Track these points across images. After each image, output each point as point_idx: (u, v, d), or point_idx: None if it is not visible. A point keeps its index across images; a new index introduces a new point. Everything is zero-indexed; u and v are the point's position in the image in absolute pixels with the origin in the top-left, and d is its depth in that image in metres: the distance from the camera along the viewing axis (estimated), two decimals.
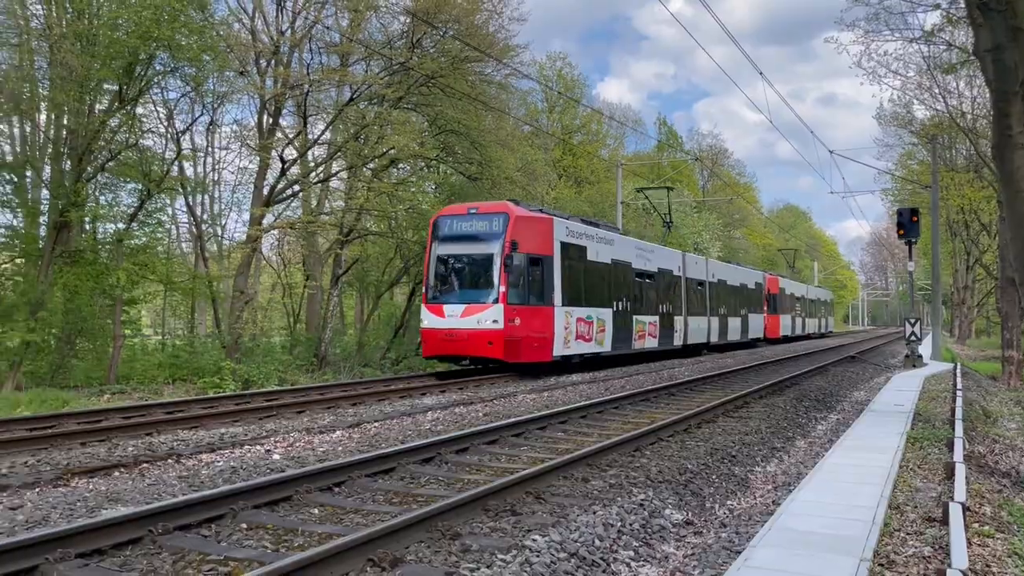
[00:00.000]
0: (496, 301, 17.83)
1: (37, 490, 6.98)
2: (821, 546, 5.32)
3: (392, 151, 24.10)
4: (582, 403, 13.07)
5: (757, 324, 40.12)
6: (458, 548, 5.37)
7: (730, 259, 47.51)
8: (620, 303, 23.18)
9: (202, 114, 24.47)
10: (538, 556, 5.22)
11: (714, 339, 32.71)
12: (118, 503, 6.42)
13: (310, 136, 24.88)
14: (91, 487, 7.11)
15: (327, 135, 25.85)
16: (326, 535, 5.62)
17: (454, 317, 18.17)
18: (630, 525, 6.20)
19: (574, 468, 7.89)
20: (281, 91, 22.53)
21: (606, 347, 22.16)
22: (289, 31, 22.95)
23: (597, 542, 5.71)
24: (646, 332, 25.07)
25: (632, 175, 46.77)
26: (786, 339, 46.96)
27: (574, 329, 20.06)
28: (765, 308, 42.07)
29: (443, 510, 5.90)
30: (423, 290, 19.66)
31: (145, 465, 8.11)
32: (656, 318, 26.02)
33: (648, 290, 25.62)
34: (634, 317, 24.14)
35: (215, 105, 24.44)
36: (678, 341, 28.20)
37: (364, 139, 24.55)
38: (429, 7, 22.59)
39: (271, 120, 23.42)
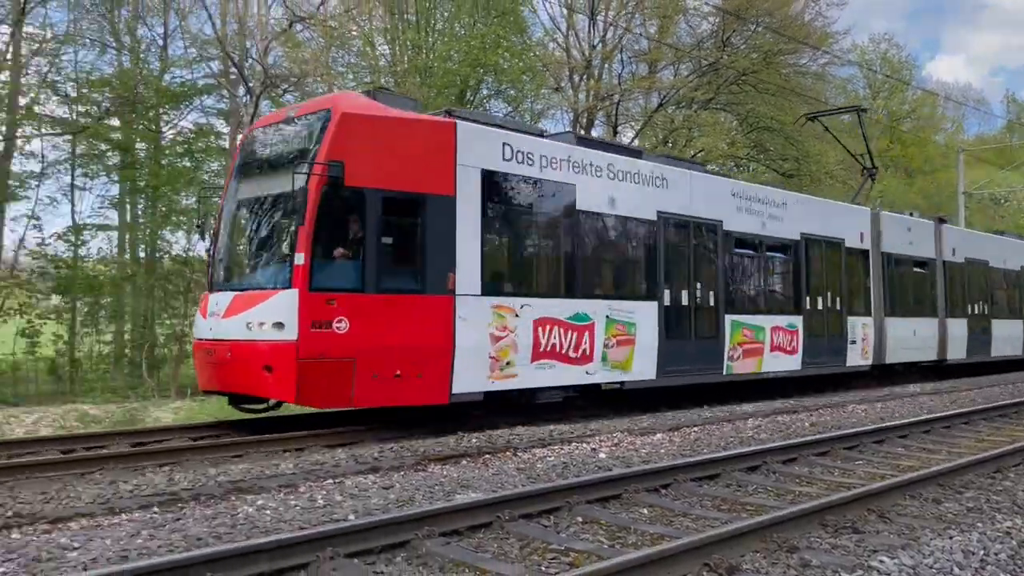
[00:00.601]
0: (284, 284, 9.17)
1: (402, 473, 7.95)
2: None
3: (701, 153, 23.92)
4: (923, 416, 11.91)
5: None
6: (796, 562, 5.18)
7: None
8: (687, 291, 13.38)
9: None
10: None
11: (956, 354, 20.24)
12: (468, 489, 7.10)
13: None
14: (444, 473, 7.94)
15: (635, 142, 26.34)
16: (657, 536, 5.73)
17: (215, 316, 9.86)
18: (995, 555, 5.53)
19: (922, 487, 7.21)
20: (593, 103, 23.42)
21: (639, 373, 12.42)
22: (600, 44, 23.78)
23: (956, 570, 5.17)
24: (764, 343, 14.66)
25: (976, 161, 41.42)
26: None
27: (527, 341, 10.88)
28: None
29: (778, 521, 5.72)
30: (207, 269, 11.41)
31: (487, 456, 8.88)
32: (795, 319, 15.43)
33: (772, 270, 15.44)
34: (727, 318, 14.02)
35: (533, 122, 26.07)
36: (858, 358, 17.08)
37: (672, 143, 24.65)
38: (740, 3, 22.10)
39: (583, 131, 24.42)
